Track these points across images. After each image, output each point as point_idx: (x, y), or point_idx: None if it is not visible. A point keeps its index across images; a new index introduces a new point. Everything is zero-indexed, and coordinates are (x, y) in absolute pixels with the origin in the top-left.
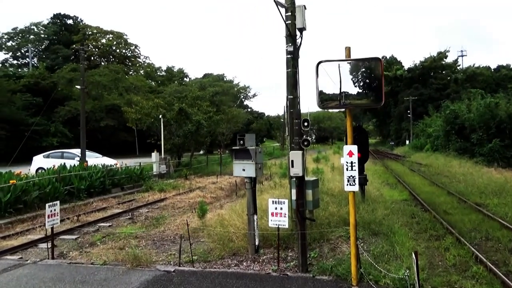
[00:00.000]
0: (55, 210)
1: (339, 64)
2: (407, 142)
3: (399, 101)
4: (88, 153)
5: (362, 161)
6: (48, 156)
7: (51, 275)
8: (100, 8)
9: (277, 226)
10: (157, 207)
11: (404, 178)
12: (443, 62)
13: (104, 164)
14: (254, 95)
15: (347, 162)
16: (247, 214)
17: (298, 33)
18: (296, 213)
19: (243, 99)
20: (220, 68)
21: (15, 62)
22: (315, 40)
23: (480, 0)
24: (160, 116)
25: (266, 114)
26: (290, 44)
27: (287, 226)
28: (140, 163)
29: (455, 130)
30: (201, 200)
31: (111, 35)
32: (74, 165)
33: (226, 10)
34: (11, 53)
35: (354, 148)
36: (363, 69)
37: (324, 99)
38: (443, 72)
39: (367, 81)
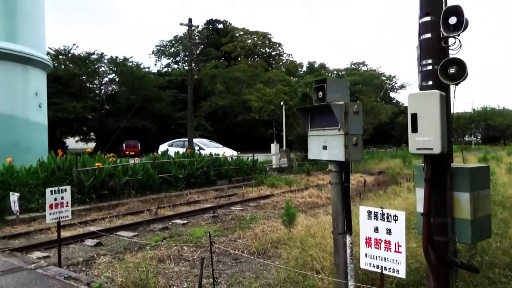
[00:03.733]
0: (62, 198)
1: None
2: None
3: None
4: (207, 142)
5: None
6: (172, 145)
7: None
8: (248, 11)
9: (379, 270)
10: (255, 205)
11: None
12: None
13: (211, 153)
14: (402, 86)
15: None
16: (332, 231)
17: None
18: (424, 249)
19: (388, 91)
20: (363, 58)
21: (175, 66)
22: None
23: None
24: (282, 103)
25: None
26: None
27: (403, 275)
28: (253, 154)
29: None
30: (287, 200)
31: (256, 36)
32: (177, 151)
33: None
34: (172, 58)
35: None
36: None
37: None
38: None
39: None
